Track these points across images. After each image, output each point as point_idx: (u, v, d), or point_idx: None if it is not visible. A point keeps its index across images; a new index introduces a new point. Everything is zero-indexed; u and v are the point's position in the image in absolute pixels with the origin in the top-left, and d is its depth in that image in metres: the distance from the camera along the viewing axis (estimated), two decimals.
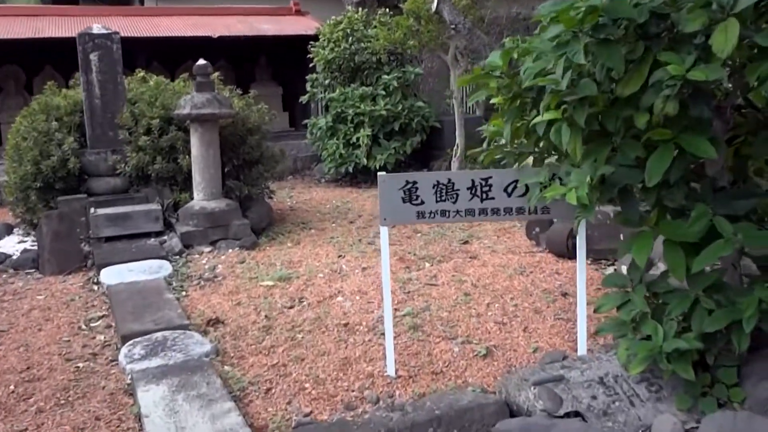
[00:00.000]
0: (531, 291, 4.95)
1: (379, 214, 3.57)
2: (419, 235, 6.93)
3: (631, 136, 2.97)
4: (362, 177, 10.23)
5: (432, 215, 3.57)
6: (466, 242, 6.55)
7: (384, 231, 3.60)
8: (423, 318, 4.53)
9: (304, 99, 10.52)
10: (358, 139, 9.83)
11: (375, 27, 9.79)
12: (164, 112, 7.22)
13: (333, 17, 10.30)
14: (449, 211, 3.56)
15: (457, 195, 3.55)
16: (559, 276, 5.29)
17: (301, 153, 11.61)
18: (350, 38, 9.96)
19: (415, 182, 3.54)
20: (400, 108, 9.91)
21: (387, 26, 9.27)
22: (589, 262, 5.60)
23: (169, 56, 11.73)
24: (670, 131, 2.79)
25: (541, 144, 3.42)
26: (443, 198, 3.55)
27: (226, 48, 12.19)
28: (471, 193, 3.55)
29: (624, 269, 4.95)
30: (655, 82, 2.63)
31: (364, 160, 9.84)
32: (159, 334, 4.37)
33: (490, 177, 3.54)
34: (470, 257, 6.00)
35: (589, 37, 2.67)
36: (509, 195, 3.55)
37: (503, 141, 3.68)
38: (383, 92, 9.89)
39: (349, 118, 9.86)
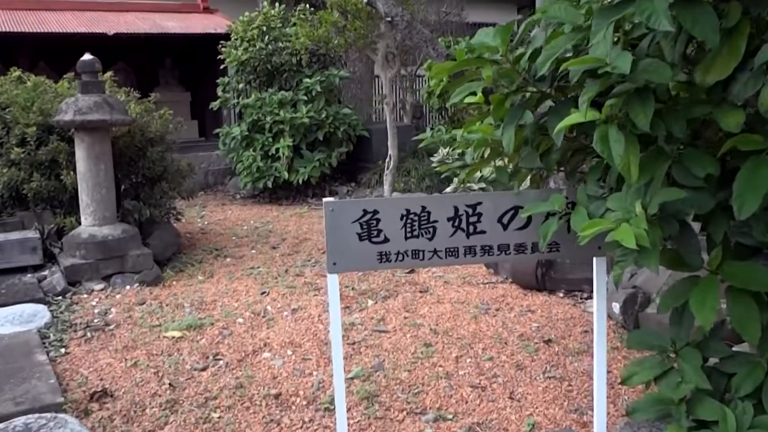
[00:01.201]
0: (505, 337, 4.02)
1: (327, 257, 2.53)
2: None
3: (693, 144, 2.07)
4: (283, 192, 9.12)
5: (400, 258, 2.56)
6: (411, 271, 5.58)
7: (333, 281, 2.57)
8: (377, 382, 3.51)
9: (215, 105, 9.31)
10: (277, 150, 8.73)
11: (294, 25, 8.72)
12: (43, 119, 5.92)
13: (246, 13, 9.16)
14: (424, 252, 2.57)
15: (435, 229, 2.56)
16: (534, 315, 4.39)
17: (213, 166, 10.38)
18: (266, 37, 8.86)
19: (375, 211, 2.52)
20: (324, 115, 8.87)
21: (309, 22, 8.22)
22: (561, 294, 4.75)
23: (57, 56, 10.20)
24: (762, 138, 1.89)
25: (551, 156, 2.47)
26: (416, 233, 2.55)
27: (126, 48, 10.83)
28: (454, 225, 2.56)
29: (616, 308, 4.08)
30: (763, 63, 1.72)
31: (285, 174, 8.73)
32: (20, 421, 3.17)
33: (480, 203, 2.56)
34: (420, 291, 5.02)
35: None
36: (505, 227, 2.59)
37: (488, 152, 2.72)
38: (305, 98, 8.83)
39: (267, 126, 8.75)
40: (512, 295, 4.80)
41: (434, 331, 4.15)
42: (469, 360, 3.72)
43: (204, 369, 3.78)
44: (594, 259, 2.66)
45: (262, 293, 5.09)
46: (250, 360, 3.87)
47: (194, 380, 3.64)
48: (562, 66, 1.94)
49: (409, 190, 8.37)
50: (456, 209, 2.56)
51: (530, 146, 2.53)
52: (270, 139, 8.80)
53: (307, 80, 8.85)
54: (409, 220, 2.54)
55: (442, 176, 7.66)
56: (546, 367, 3.59)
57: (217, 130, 9.39)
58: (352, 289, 5.12)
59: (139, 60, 11.26)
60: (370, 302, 4.81)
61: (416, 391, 3.39)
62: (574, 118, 1.96)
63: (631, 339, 2.66)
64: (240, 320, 4.52)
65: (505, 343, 3.92)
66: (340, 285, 5.32)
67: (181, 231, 6.91)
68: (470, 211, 2.56)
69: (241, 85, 9.15)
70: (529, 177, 2.73)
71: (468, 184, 6.68)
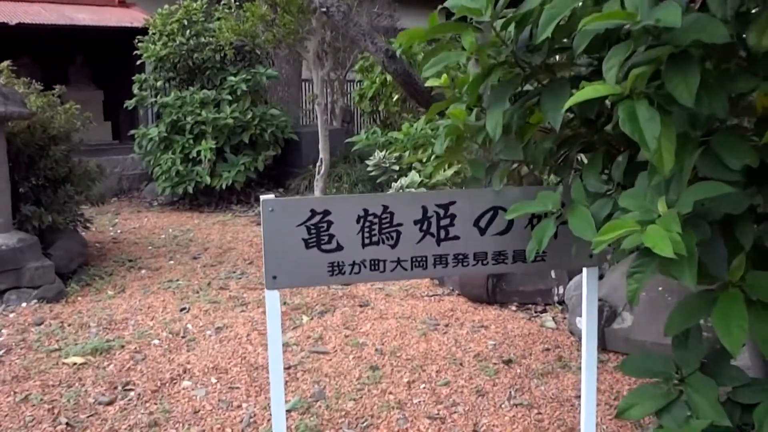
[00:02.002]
0: (459, 358, 3.58)
1: (264, 270, 2.03)
2: None
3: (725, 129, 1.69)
4: (205, 199, 8.46)
5: (356, 270, 2.08)
6: (348, 283, 5.09)
7: (272, 299, 2.06)
8: (319, 414, 3.01)
9: (130, 104, 8.57)
10: (198, 153, 8.08)
11: (219, 19, 8.12)
12: None
13: (166, 6, 8.49)
14: (385, 262, 2.10)
15: (399, 234, 2.09)
16: (488, 331, 3.98)
17: (128, 170, 9.60)
18: (188, 31, 8.21)
19: (326, 212, 2.04)
20: (249, 116, 8.28)
21: (234, 16, 7.64)
22: (513, 308, 4.38)
23: None
24: None
25: (540, 146, 2.04)
26: (376, 239, 2.08)
27: (32, 41, 9.95)
28: (422, 229, 2.11)
29: (580, 323, 3.71)
30: None
31: (207, 179, 8.09)
32: None
33: (453, 202, 2.12)
34: (360, 305, 4.55)
35: None
36: (482, 231, 2.15)
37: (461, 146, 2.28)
38: (229, 97, 8.23)
39: (188, 127, 8.09)
40: (461, 309, 4.38)
41: (380, 352, 3.68)
42: (423, 385, 3.26)
43: (111, 403, 3.18)
44: (584, 270, 2.25)
45: (182, 310, 4.50)
46: (167, 390, 3.29)
47: (98, 417, 3.04)
48: (580, 23, 1.51)
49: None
50: (425, 210, 2.10)
51: (512, 135, 2.11)
52: (191, 141, 8.15)
53: (232, 78, 8.25)
54: (367, 223, 2.07)
55: (378, 181, 7.22)
56: (510, 392, 3.17)
57: (133, 132, 8.65)
58: (284, 303, 4.59)
59: (48, 56, 10.35)
60: (305, 318, 4.30)
61: (365, 424, 2.91)
62: (592, 91, 1.54)
63: (626, 364, 2.26)
64: (156, 342, 3.92)
65: (461, 365, 3.49)
66: None
67: (90, 240, 6.20)
68: (442, 212, 2.11)
69: (159, 83, 8.46)
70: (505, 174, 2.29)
71: (407, 188, 6.27)
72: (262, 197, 2.03)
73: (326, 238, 2.05)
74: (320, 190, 7.80)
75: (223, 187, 8.18)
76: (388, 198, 2.10)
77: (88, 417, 3.04)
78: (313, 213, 2.04)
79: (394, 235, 2.09)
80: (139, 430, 2.91)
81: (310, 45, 7.37)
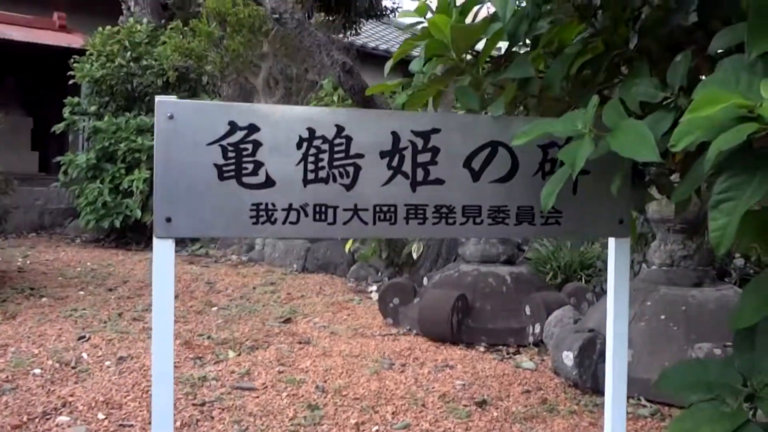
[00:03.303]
0: (422, 398, 2.86)
1: (155, 208, 1.34)
2: (214, 309, 4.61)
3: None
4: (134, 236, 7.62)
5: (293, 217, 1.40)
6: (287, 320, 4.35)
7: (162, 250, 1.36)
8: None
9: (58, 127, 7.78)
10: (131, 183, 7.30)
11: (164, 43, 7.51)
12: None
13: (108, 27, 7.86)
14: (336, 209, 1.43)
15: (358, 169, 1.43)
16: (454, 371, 3.27)
17: (52, 204, 8.72)
18: (129, 53, 7.57)
19: (253, 128, 1.37)
20: None
21: (181, 34, 7.04)
22: (482, 348, 3.72)
23: None
24: None
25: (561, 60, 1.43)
26: (324, 173, 1.41)
27: None
28: (391, 165, 1.45)
29: (567, 358, 3.05)
30: None
31: (138, 213, 7.28)
32: None
33: (436, 130, 1.47)
34: (299, 342, 3.80)
35: None
36: (476, 176, 1.50)
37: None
38: None
39: (121, 154, 7.34)
40: (421, 348, 3.68)
41: (321, 390, 2.94)
42: (375, 428, 2.52)
43: None
44: (612, 241, 1.61)
45: (80, 338, 3.68)
46: (34, 427, 2.47)
47: None
48: None
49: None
50: (396, 138, 1.45)
51: (521, 41, 1.50)
52: (122, 171, 7.38)
53: None
54: (313, 150, 1.41)
55: None
56: None
57: (59, 158, 7.82)
58: (208, 337, 3.82)
59: None
60: (232, 353, 3.53)
61: None
62: None
63: (666, 378, 1.60)
64: (36, 371, 3.09)
65: (424, 406, 2.76)
66: (190, 332, 4.01)
67: None
68: (420, 142, 1.47)
69: (93, 108, 7.73)
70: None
71: None
72: (158, 98, 1.36)
73: (250, 166, 1.38)
74: None
75: None
76: (345, 115, 1.45)
77: None
78: (234, 127, 1.37)
79: (350, 170, 1.43)
80: None
81: (262, 69, 6.80)
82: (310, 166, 1.41)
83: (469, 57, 1.60)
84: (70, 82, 7.74)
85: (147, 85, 7.60)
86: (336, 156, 1.42)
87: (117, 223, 7.32)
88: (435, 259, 5.74)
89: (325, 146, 1.41)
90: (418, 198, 1.47)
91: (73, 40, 8.94)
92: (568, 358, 3.00)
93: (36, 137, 9.71)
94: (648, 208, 3.32)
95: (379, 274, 5.91)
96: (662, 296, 3.19)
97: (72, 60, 7.80)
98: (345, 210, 1.43)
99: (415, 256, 5.81)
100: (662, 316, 3.06)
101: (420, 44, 1.61)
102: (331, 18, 8.97)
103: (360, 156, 1.43)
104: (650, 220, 3.50)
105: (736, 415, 1.42)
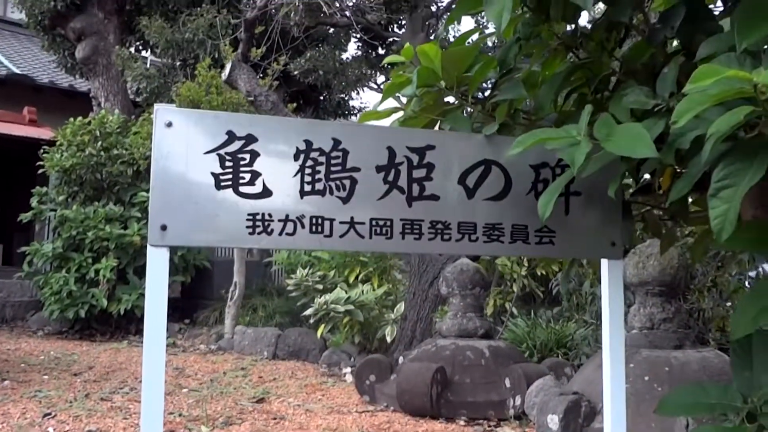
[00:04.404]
0: None
1: (150, 218, 1.31)
2: (185, 390, 4.44)
3: None
4: (99, 327, 7.40)
5: (290, 228, 1.39)
6: (261, 400, 4.21)
7: (157, 258, 1.32)
8: None
9: (25, 217, 7.68)
10: (97, 272, 7.15)
11: (136, 133, 7.58)
12: None
13: (80, 117, 7.92)
14: (333, 222, 1.42)
15: (354, 182, 1.44)
16: None
17: (15, 297, 8.46)
18: (100, 143, 7.60)
19: (251, 138, 1.39)
20: None
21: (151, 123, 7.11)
22: (462, 422, 3.62)
23: None
24: None
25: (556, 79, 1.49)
26: (321, 185, 1.42)
27: None
28: (387, 180, 1.46)
29: (554, 422, 2.98)
30: None
31: (104, 302, 7.10)
32: None
33: (431, 147, 1.50)
34: (275, 418, 3.67)
35: None
36: (471, 193, 1.52)
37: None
38: (139, 214, 7.48)
39: (88, 243, 7.22)
40: (400, 422, 3.58)
41: None
42: None
43: None
44: (605, 262, 1.61)
45: (45, 415, 3.50)
46: None
47: None
48: None
49: (255, 326, 7.00)
50: (392, 153, 1.47)
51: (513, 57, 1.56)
52: (90, 260, 7.24)
53: (144, 194, 7.55)
54: (310, 162, 1.42)
55: (299, 303, 6.45)
56: None
57: (24, 248, 7.67)
58: (180, 414, 3.66)
59: None
60: (204, 429, 3.38)
61: None
62: None
63: (665, 403, 1.59)
64: None
65: None
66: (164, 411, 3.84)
67: None
68: (416, 158, 1.49)
69: (61, 197, 7.67)
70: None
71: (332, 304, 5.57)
72: (157, 105, 1.36)
73: (247, 176, 1.38)
74: (232, 317, 6.97)
75: (122, 312, 7.17)
76: (341, 129, 1.47)
77: None
78: (232, 137, 1.38)
79: (347, 183, 1.44)
80: None
81: None
82: (307, 178, 1.41)
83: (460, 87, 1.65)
84: (39, 171, 7.71)
85: (117, 174, 7.61)
86: (333, 168, 1.43)
87: (82, 313, 7.11)
88: (409, 341, 5.65)
89: (322, 158, 1.42)
90: (414, 213, 1.47)
91: (43, 133, 8.96)
92: (553, 421, 2.93)
93: (0, 229, 9.55)
94: (626, 272, 3.35)
95: (352, 359, 5.79)
96: (645, 358, 3.17)
97: (42, 150, 7.79)
98: (341, 223, 1.42)
99: (389, 339, 5.72)
100: (646, 377, 3.04)
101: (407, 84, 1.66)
102: (300, 115, 9.18)
103: (356, 169, 1.44)
104: (628, 285, 3.53)
105: (740, 430, 1.40)
